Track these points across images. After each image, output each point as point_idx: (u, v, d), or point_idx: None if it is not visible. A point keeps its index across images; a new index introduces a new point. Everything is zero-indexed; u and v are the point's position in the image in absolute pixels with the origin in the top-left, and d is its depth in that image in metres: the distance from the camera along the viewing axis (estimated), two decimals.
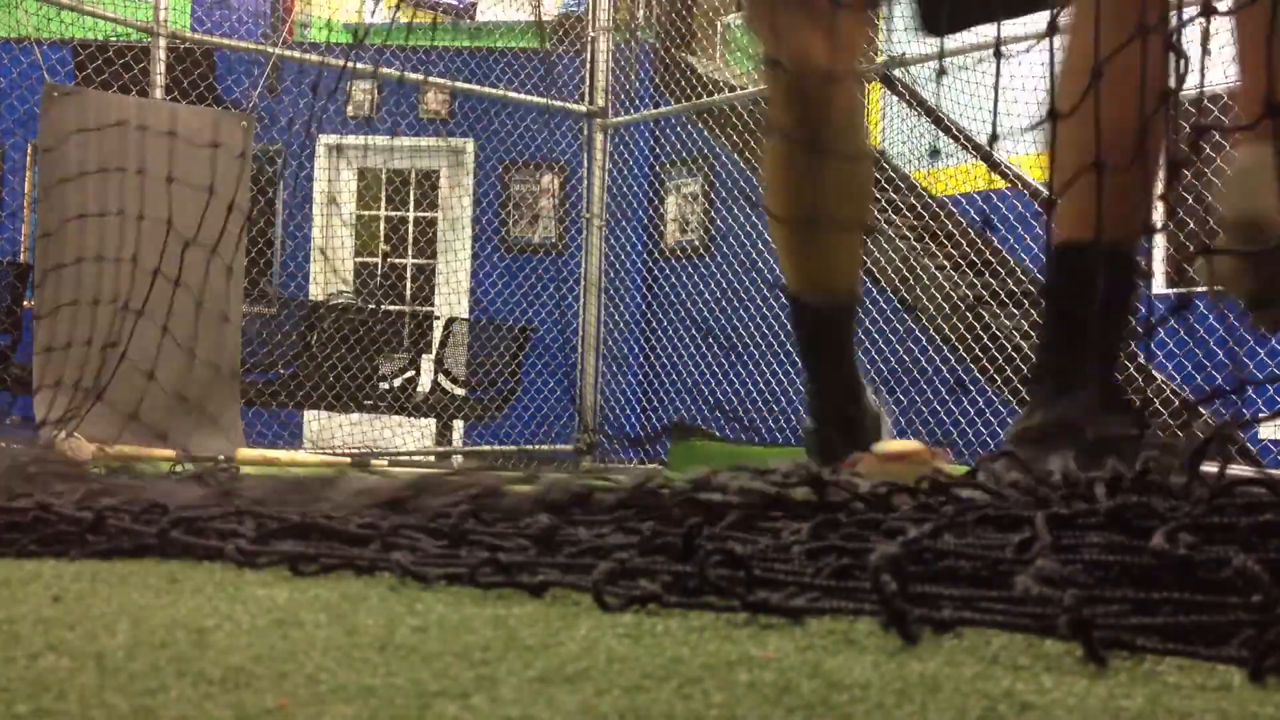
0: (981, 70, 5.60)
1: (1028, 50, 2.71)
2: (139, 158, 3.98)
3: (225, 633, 1.05)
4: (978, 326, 6.32)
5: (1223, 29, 1.90)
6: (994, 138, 2.45)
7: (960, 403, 6.54)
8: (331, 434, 7.83)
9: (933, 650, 0.98)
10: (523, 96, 8.22)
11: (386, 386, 7.69)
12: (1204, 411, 1.27)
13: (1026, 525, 1.24)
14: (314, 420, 8.09)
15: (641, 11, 9.07)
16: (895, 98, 7.43)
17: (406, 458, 7.39)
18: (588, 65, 8.53)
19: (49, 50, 7.39)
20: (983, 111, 5.82)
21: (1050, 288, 1.95)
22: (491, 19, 9.39)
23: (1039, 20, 3.19)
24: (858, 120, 2.29)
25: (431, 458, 8.02)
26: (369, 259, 9.66)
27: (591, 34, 8.50)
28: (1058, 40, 2.08)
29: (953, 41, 6.20)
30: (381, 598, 1.26)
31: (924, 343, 6.77)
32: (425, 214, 9.65)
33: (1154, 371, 5.68)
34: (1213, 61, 1.70)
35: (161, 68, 6.89)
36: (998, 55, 2.56)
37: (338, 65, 6.48)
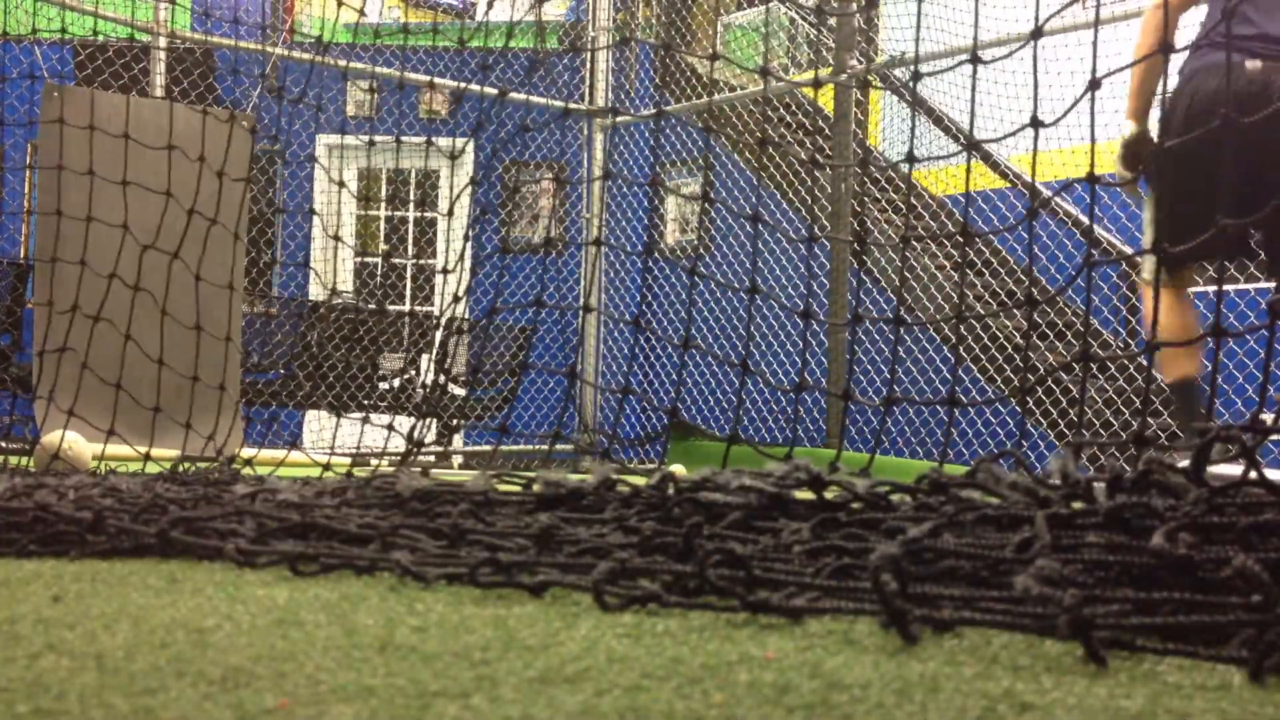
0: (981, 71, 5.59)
1: (1009, 55, 2.72)
2: (138, 157, 3.98)
3: (225, 633, 1.05)
4: (978, 327, 6.32)
5: None
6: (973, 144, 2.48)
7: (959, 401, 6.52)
8: (331, 434, 7.81)
9: (933, 650, 0.98)
10: (523, 96, 8.23)
11: (386, 386, 7.69)
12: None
13: (1026, 525, 1.24)
14: (314, 420, 8.09)
15: (641, 12, 9.07)
16: (895, 97, 7.44)
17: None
18: (587, 65, 8.53)
19: (49, 50, 7.39)
20: (981, 110, 5.81)
21: None
22: (492, 19, 9.39)
23: (1024, 25, 3.21)
24: None
25: (431, 458, 8.01)
26: (369, 259, 9.66)
27: (591, 34, 8.50)
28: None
29: (952, 39, 6.20)
30: (381, 598, 1.26)
31: (924, 343, 6.77)
32: (425, 214, 9.66)
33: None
34: None
35: (161, 67, 6.89)
36: (975, 61, 2.58)
37: (337, 65, 6.48)
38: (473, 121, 5.33)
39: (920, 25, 2.95)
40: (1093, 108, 2.18)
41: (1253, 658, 0.89)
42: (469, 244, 8.62)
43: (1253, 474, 1.26)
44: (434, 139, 3.81)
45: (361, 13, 4.20)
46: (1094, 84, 2.14)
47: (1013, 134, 2.81)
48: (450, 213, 4.00)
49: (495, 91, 4.22)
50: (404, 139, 3.75)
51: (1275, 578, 0.97)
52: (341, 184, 4.79)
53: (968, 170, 2.95)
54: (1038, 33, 2.38)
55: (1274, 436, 1.41)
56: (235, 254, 4.76)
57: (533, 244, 9.41)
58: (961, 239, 2.49)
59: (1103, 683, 0.87)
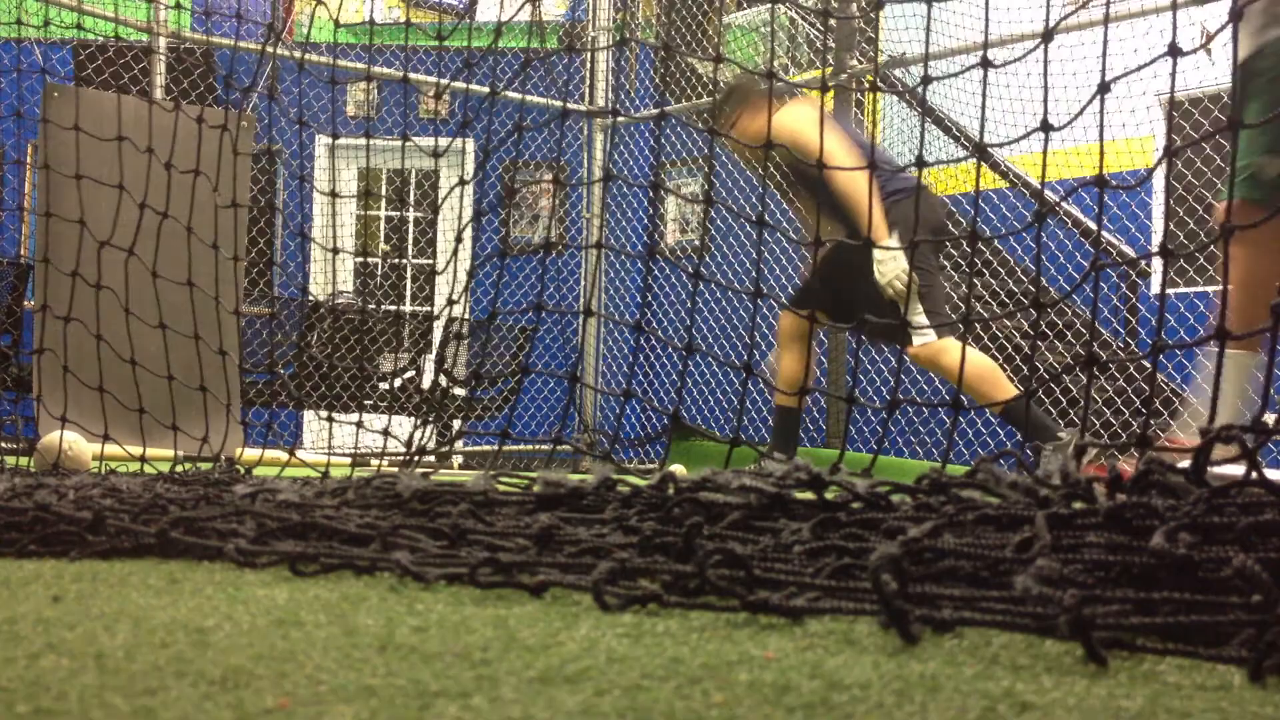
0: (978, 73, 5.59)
1: (1021, 59, 2.73)
2: (138, 157, 3.98)
3: (225, 633, 1.05)
4: (978, 327, 6.32)
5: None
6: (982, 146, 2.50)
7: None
8: (331, 434, 7.82)
9: (933, 650, 0.98)
10: (523, 96, 8.23)
11: (386, 386, 7.69)
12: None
13: (1026, 525, 1.24)
14: (314, 420, 8.09)
15: (642, 11, 9.06)
16: (895, 97, 7.43)
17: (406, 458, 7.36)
18: (588, 65, 8.53)
19: (49, 50, 7.39)
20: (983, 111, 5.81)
21: None
22: (492, 19, 9.38)
23: (1034, 24, 3.20)
24: None
25: (431, 458, 8.00)
26: (369, 259, 9.66)
27: (592, 34, 8.50)
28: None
29: (950, 40, 6.20)
30: (381, 598, 1.26)
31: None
32: (425, 214, 9.66)
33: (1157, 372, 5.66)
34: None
35: (161, 67, 6.89)
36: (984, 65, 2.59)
37: (337, 66, 6.47)
38: (474, 122, 5.31)
39: (928, 27, 2.96)
40: (1102, 110, 2.17)
41: (1253, 658, 0.89)
42: (464, 245, 8.63)
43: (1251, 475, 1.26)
44: (416, 138, 3.82)
45: (339, 22, 4.19)
46: (1103, 87, 2.14)
47: (1022, 138, 2.81)
48: (436, 212, 4.00)
49: (487, 90, 4.23)
50: (400, 140, 3.75)
51: (1275, 578, 0.97)
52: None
53: (977, 176, 2.94)
54: (1048, 35, 2.38)
55: (1276, 437, 1.41)
56: (235, 253, 4.75)
57: (533, 244, 9.41)
58: (972, 242, 2.48)
59: (1103, 683, 0.87)
